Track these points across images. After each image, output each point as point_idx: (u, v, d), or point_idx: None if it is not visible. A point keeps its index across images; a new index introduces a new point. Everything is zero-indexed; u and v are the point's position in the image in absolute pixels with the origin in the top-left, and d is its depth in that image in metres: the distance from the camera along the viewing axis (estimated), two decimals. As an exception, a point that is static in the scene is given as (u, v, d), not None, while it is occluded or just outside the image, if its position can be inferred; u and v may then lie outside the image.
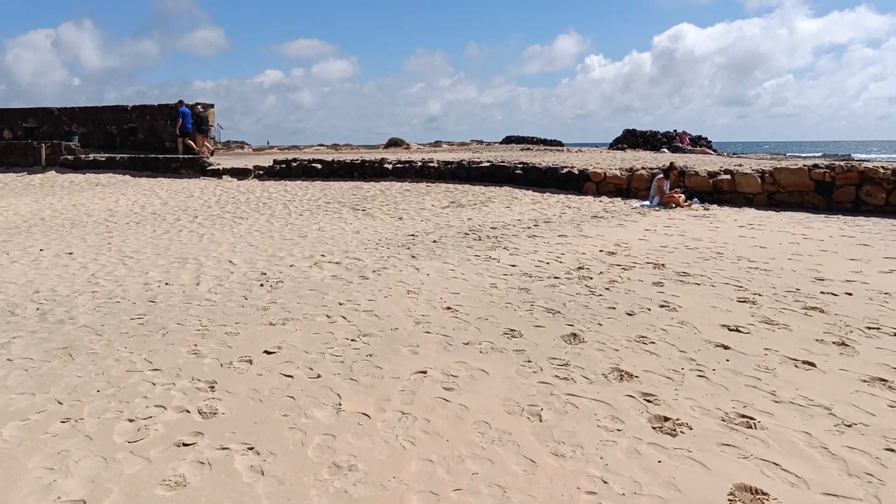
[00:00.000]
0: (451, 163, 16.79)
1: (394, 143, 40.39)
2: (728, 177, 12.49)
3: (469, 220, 10.59)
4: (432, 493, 2.69)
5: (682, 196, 12.14)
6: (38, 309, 5.62)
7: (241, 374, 4.03)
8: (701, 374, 3.89)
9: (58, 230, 10.22)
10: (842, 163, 12.21)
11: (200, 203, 13.43)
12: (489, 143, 48.08)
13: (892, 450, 2.97)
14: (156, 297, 5.96)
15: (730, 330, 4.68)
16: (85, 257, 7.96)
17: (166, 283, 6.48)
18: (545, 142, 49.24)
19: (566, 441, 3.10)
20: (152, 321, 5.18)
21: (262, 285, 6.33)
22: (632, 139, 39.99)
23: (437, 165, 16.78)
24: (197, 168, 19.09)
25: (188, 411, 3.49)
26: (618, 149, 36.50)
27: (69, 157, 20.94)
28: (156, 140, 23.46)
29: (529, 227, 9.70)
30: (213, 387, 3.82)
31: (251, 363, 4.20)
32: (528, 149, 35.63)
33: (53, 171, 20.05)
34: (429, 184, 15.85)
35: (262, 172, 18.43)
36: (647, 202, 12.32)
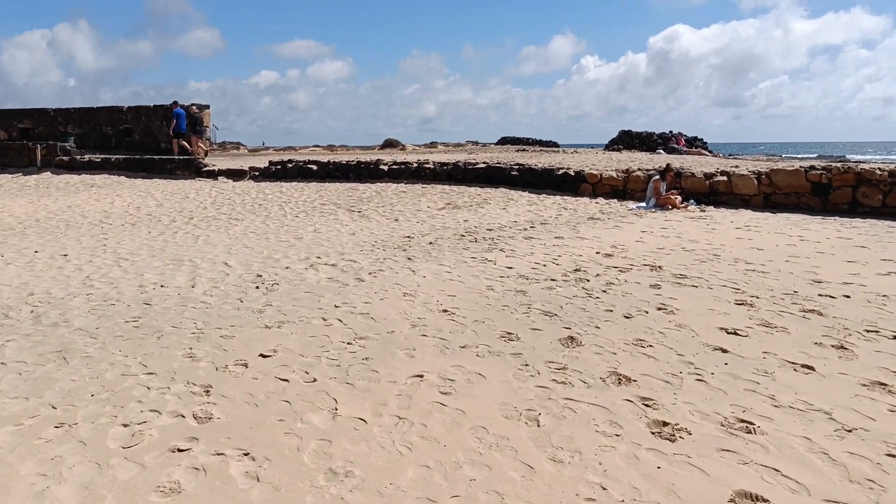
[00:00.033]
0: (447, 164, 16.75)
1: (389, 144, 40.39)
2: (724, 178, 12.49)
3: (465, 221, 10.56)
4: (430, 499, 2.66)
5: (679, 197, 12.12)
6: (32, 311, 5.57)
7: (237, 377, 3.99)
8: (699, 377, 3.87)
9: (53, 232, 10.16)
10: (838, 164, 12.21)
11: (196, 204, 13.38)
12: (485, 144, 48.07)
13: (894, 455, 2.95)
14: (151, 299, 5.92)
15: (728, 333, 4.66)
16: (80, 259, 7.91)
17: (161, 286, 6.44)
18: (541, 143, 49.26)
19: (564, 446, 3.07)
20: (147, 324, 5.14)
21: (257, 287, 6.29)
22: (627, 140, 40.00)
23: (432, 167, 16.75)
24: (192, 169, 19.03)
25: (183, 416, 3.46)
26: (613, 150, 36.52)
27: (64, 157, 20.87)
28: (151, 141, 23.43)
29: (526, 229, 9.67)
30: (208, 391, 3.78)
31: (246, 367, 4.17)
32: (524, 150, 35.65)
33: (49, 172, 19.97)
34: (424, 185, 15.81)
35: (257, 173, 18.38)
36: (644, 204, 12.31)
